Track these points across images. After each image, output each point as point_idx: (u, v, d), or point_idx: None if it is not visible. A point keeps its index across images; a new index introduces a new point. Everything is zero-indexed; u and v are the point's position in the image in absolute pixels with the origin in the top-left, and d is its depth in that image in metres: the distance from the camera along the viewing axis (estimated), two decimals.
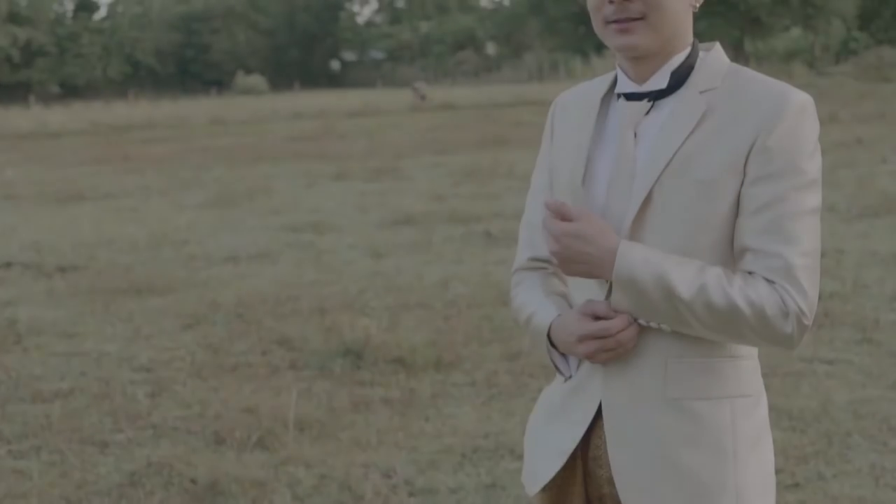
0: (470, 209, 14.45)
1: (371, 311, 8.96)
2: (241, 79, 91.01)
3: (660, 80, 2.30)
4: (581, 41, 72.69)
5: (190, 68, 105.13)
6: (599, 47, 61.06)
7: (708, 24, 54.20)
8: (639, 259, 2.18)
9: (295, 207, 15.79)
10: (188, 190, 18.88)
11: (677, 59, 2.30)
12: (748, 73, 2.30)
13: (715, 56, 2.33)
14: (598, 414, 2.34)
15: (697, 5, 2.32)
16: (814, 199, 2.20)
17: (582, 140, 2.38)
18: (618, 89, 2.36)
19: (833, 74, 50.36)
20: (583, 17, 73.34)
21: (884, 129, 23.47)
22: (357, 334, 7.83)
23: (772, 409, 5.33)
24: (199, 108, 51.69)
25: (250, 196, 17.31)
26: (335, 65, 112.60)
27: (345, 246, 12.33)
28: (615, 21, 2.25)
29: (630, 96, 2.33)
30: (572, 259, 2.23)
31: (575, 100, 2.50)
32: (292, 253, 12.03)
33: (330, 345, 7.82)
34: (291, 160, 23.92)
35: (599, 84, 2.45)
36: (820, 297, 2.22)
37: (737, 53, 55.24)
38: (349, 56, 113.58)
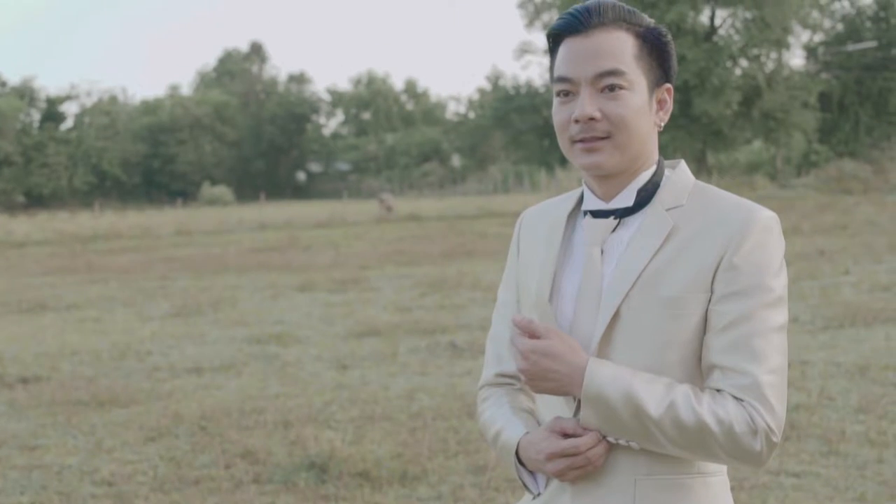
0: (435, 320, 14.43)
1: (336, 424, 8.90)
2: (207, 189, 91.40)
3: (626, 198, 2.32)
4: (546, 154, 73.30)
5: (156, 179, 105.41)
6: (564, 160, 61.60)
7: (671, 136, 54.84)
8: (607, 376, 2.18)
9: (260, 319, 15.74)
10: (152, 300, 18.81)
11: (643, 177, 2.32)
12: (714, 191, 2.32)
13: (680, 173, 2.35)
14: None
15: (662, 124, 2.35)
16: (780, 316, 2.22)
17: (548, 256, 2.39)
18: (584, 206, 2.38)
19: (795, 187, 50.94)
20: (547, 130, 74.00)
21: (846, 241, 23.69)
22: (322, 447, 7.77)
23: None
24: (164, 218, 51.72)
25: (215, 307, 17.26)
26: (301, 176, 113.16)
27: (310, 357, 12.27)
28: (581, 140, 2.28)
29: (596, 213, 2.34)
30: (540, 376, 2.23)
31: (541, 216, 2.51)
32: (257, 365, 11.96)
33: (294, 458, 7.76)
34: (257, 271, 23.91)
35: (565, 201, 2.47)
36: (786, 410, 2.22)
37: (699, 166, 55.85)
38: (315, 167, 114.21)
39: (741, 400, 2.17)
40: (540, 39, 74.70)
